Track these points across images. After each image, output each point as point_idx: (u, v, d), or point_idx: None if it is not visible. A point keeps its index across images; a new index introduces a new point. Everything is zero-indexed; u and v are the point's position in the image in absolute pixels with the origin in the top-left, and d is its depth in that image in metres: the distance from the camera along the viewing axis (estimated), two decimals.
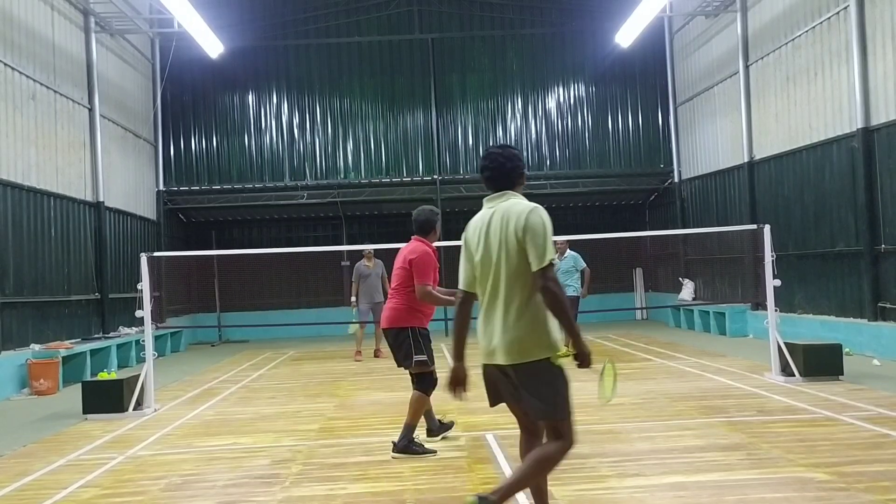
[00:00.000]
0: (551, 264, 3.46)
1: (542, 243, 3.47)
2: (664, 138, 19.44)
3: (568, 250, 12.01)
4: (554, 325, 3.54)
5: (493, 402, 3.82)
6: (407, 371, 6.04)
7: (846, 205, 11.86)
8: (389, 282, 6.47)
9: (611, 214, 20.93)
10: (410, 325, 5.91)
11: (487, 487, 4.91)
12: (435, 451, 5.87)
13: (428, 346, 5.95)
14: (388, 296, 6.14)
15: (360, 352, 13.02)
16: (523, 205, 3.62)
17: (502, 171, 3.71)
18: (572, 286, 11.80)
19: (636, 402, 7.75)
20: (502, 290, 3.55)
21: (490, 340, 3.59)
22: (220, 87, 19.39)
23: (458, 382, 3.75)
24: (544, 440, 3.72)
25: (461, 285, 3.74)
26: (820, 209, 12.60)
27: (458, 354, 3.73)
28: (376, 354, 13.15)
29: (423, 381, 5.94)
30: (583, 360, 3.56)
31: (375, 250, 13.07)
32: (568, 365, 3.58)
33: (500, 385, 3.69)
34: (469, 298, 3.72)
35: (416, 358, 5.86)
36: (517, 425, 3.89)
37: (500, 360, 3.54)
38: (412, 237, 6.29)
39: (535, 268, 3.46)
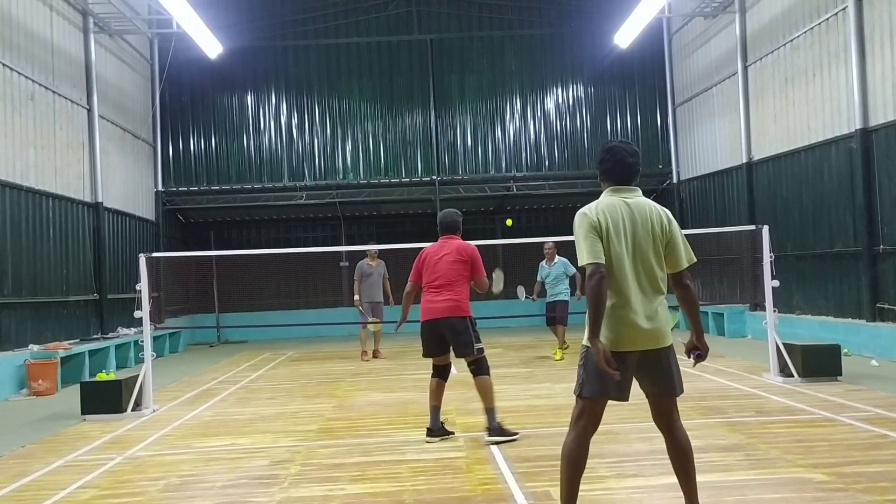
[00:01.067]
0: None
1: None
2: (663, 139, 19.45)
3: (557, 256, 11.98)
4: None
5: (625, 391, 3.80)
6: (459, 358, 6.43)
7: (844, 205, 11.87)
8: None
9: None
10: (469, 315, 6.34)
11: (487, 487, 4.92)
12: (517, 434, 6.17)
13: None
14: (437, 289, 6.35)
15: (366, 351, 13.05)
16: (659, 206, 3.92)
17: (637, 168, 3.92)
18: (563, 292, 11.81)
19: (634, 403, 7.68)
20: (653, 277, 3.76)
21: (648, 324, 3.68)
22: (218, 87, 19.39)
23: (610, 361, 3.59)
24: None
25: (601, 260, 3.64)
26: (818, 210, 12.62)
27: (598, 332, 3.65)
28: (375, 355, 13.15)
29: (483, 365, 6.31)
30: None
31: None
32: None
33: (640, 368, 3.77)
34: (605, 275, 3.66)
35: (478, 345, 6.31)
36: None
37: (660, 343, 3.73)
38: (443, 236, 6.62)
39: (686, 265, 3.82)
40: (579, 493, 3.91)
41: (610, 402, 3.85)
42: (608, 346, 3.61)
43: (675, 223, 3.83)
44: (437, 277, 6.41)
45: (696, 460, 5.38)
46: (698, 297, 3.81)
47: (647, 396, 3.86)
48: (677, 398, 3.86)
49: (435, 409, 6.37)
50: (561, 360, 11.72)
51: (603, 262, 3.62)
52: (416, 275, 6.65)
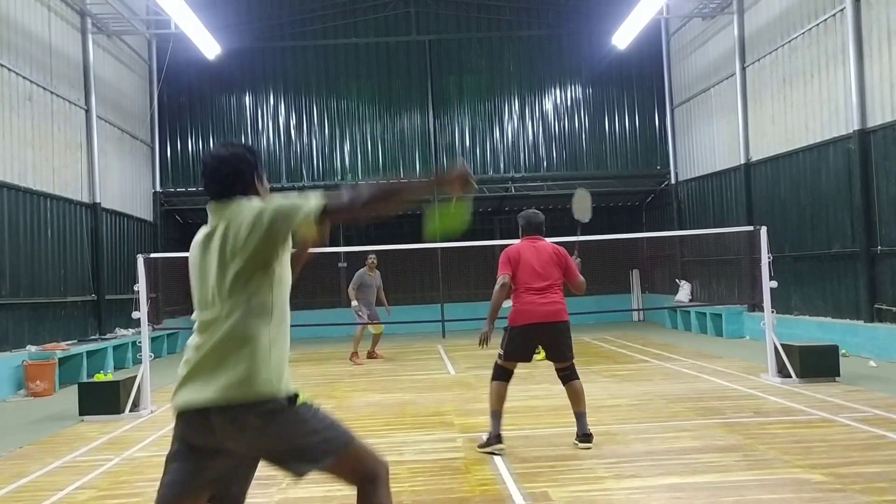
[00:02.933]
0: None
1: None
2: (661, 140, 19.47)
3: None
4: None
5: None
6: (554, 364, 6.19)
7: (842, 206, 11.89)
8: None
9: (608, 216, 20.91)
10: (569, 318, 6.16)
11: (484, 488, 4.92)
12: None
13: None
14: (541, 291, 5.99)
15: (357, 353, 12.91)
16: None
17: None
18: None
19: (633, 404, 7.76)
20: None
21: None
22: (216, 88, 19.38)
23: None
24: None
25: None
26: (816, 211, 12.63)
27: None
28: (372, 356, 13.07)
29: (575, 370, 6.17)
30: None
31: (371, 253, 13.00)
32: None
33: None
34: None
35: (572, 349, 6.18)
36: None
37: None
38: (531, 236, 6.29)
39: None
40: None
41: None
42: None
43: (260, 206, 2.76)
44: (539, 277, 6.00)
45: (694, 461, 5.41)
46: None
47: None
48: None
49: (499, 414, 5.94)
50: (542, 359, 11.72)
51: None
52: (510, 269, 6.07)
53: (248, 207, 2.74)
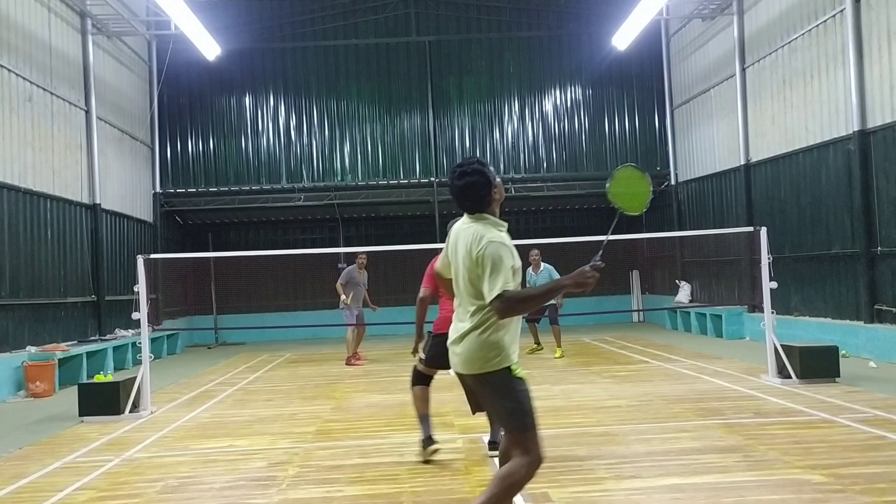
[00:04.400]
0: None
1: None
2: (661, 141, 19.48)
3: (542, 263, 12.02)
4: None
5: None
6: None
7: (842, 207, 11.89)
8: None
9: (607, 216, 20.94)
10: None
11: (483, 490, 4.91)
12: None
13: None
14: None
15: (357, 353, 12.90)
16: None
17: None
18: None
19: (633, 405, 7.76)
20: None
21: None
22: (216, 89, 19.39)
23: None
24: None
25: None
26: (816, 212, 12.63)
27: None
28: (357, 357, 12.85)
29: None
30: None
31: (370, 254, 13.05)
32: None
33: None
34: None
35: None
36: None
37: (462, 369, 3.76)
38: None
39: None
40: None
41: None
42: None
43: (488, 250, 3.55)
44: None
45: (694, 461, 5.41)
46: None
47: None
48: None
49: (427, 417, 5.92)
50: (560, 357, 11.79)
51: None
52: (432, 280, 5.85)
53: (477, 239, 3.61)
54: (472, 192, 3.69)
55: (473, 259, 3.54)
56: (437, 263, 4.15)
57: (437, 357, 5.78)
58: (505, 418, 3.64)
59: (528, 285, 11.97)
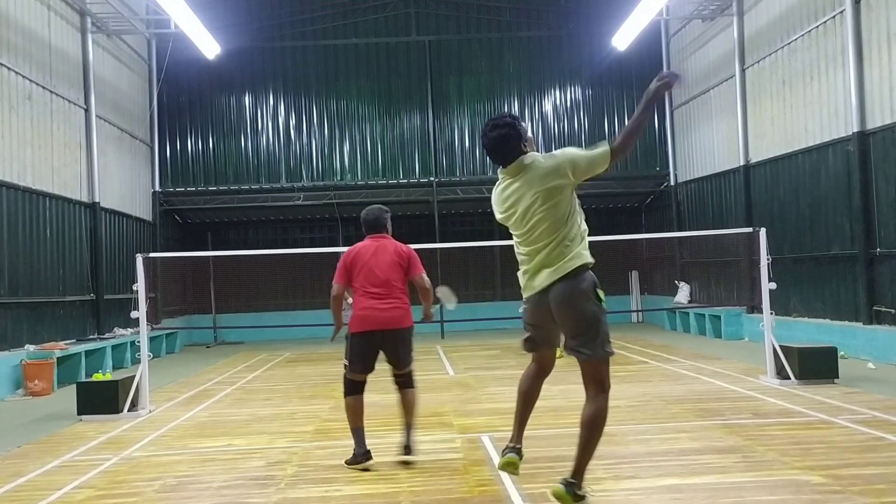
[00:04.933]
0: None
1: None
2: (660, 141, 19.48)
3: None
4: None
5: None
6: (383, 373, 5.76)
7: (842, 208, 11.90)
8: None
9: (607, 217, 20.94)
10: (413, 323, 5.71)
11: (483, 489, 4.92)
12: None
13: None
14: (379, 296, 5.55)
15: None
16: None
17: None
18: None
19: (632, 405, 7.76)
20: None
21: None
22: (216, 88, 19.39)
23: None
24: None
25: None
26: (815, 213, 12.64)
27: None
28: None
29: (413, 376, 5.76)
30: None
31: None
32: None
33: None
34: None
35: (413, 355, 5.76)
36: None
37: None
38: (372, 235, 5.94)
39: None
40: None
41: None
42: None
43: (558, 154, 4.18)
44: (377, 281, 5.58)
45: (693, 462, 5.41)
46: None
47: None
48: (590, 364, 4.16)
49: (360, 430, 5.55)
50: (560, 357, 11.79)
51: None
52: (346, 275, 5.72)
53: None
54: (504, 143, 4.01)
55: (556, 171, 3.95)
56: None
57: (361, 359, 5.56)
58: (591, 337, 3.99)
59: None
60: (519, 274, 4.28)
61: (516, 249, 4.24)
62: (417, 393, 5.77)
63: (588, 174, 4.01)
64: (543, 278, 4.05)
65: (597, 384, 4.06)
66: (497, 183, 4.34)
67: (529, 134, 4.11)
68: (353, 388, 5.60)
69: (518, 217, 4.12)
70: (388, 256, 5.73)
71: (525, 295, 4.26)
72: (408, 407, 5.69)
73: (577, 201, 4.12)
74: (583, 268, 4.01)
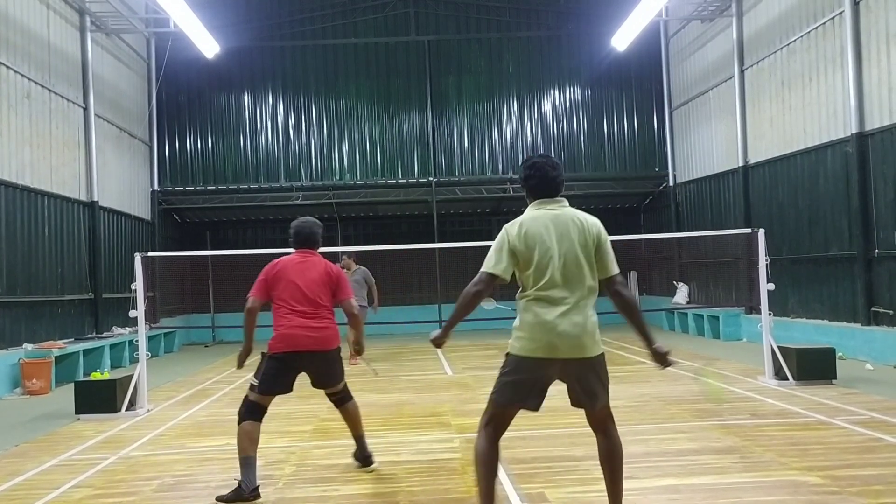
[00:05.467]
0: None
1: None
2: (659, 142, 19.49)
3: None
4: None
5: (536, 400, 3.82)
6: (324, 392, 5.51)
7: (840, 209, 11.91)
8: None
9: (605, 217, 20.49)
10: (340, 344, 5.35)
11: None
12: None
13: None
14: (307, 314, 5.14)
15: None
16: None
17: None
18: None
19: (630, 405, 7.76)
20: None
21: (573, 331, 3.72)
22: (215, 87, 19.37)
23: (440, 346, 4.18)
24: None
25: (496, 273, 3.80)
26: (814, 214, 12.65)
27: (451, 327, 4.02)
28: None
29: (349, 390, 5.58)
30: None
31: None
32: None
33: (564, 377, 3.78)
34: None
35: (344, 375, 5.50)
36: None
37: (584, 353, 3.73)
38: (301, 250, 5.43)
39: (615, 271, 3.91)
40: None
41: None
42: (528, 352, 3.70)
43: (603, 232, 3.88)
44: (303, 299, 5.16)
45: (691, 462, 5.41)
46: (636, 301, 3.89)
47: (573, 405, 3.84)
48: (608, 406, 3.86)
49: (252, 461, 4.91)
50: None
51: (498, 275, 3.76)
52: (265, 290, 5.28)
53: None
54: (563, 182, 3.96)
55: (594, 238, 3.80)
56: (497, 268, 3.78)
57: (276, 381, 5.11)
58: (605, 393, 3.82)
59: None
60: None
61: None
62: (356, 403, 5.56)
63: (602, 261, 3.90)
64: None
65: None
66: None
67: None
68: (254, 413, 5.03)
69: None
70: (317, 274, 5.28)
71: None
72: (353, 420, 5.49)
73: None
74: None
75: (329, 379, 5.37)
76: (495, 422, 3.80)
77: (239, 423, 5.01)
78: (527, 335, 3.70)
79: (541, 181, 3.89)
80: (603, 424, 3.83)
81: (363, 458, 5.51)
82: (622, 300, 3.87)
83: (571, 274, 3.73)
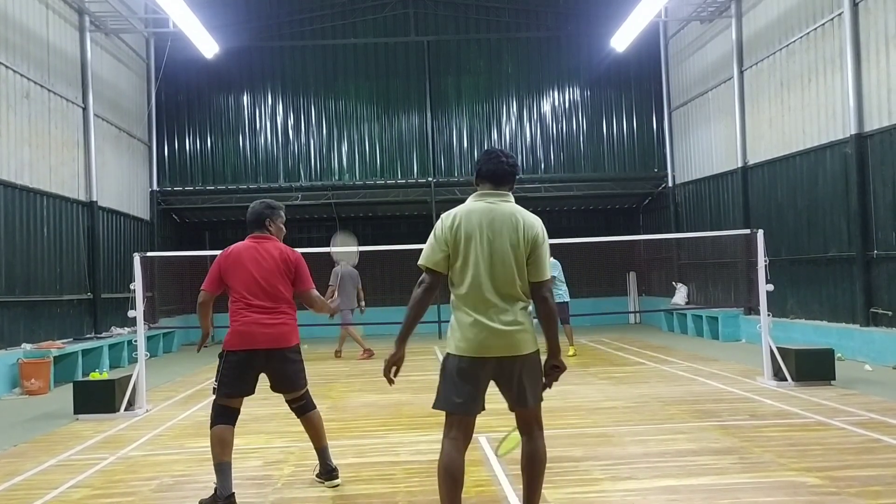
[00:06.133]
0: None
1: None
2: (658, 142, 19.50)
3: (551, 258, 12.39)
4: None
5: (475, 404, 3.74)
6: (284, 395, 5.18)
7: (839, 210, 11.91)
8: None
9: (605, 218, 20.99)
10: (299, 341, 5.04)
11: (480, 490, 4.92)
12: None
13: None
14: (262, 309, 4.81)
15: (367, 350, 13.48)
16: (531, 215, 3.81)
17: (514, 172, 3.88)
18: (562, 293, 12.35)
19: (629, 406, 7.76)
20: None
21: (504, 329, 3.64)
22: (214, 87, 19.37)
23: (398, 364, 3.82)
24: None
25: (433, 266, 3.70)
26: (813, 215, 12.65)
27: (406, 338, 3.81)
28: (339, 354, 13.84)
29: (311, 399, 5.23)
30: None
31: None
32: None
33: (497, 377, 3.70)
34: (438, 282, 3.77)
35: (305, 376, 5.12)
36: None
37: (516, 350, 3.63)
38: (254, 235, 5.05)
39: (544, 278, 3.70)
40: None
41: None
42: (462, 353, 3.63)
43: (541, 234, 3.71)
44: (259, 291, 4.81)
45: (690, 463, 5.41)
46: (556, 314, 3.73)
47: (510, 408, 3.80)
48: (538, 409, 3.76)
49: (227, 467, 4.67)
50: (574, 355, 12.00)
51: (432, 268, 3.68)
52: (217, 283, 4.97)
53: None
54: (514, 174, 3.85)
55: (529, 240, 3.66)
56: (431, 260, 3.69)
57: (236, 382, 4.77)
58: (537, 394, 3.73)
59: None
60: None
61: None
62: (319, 413, 5.21)
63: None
64: None
65: None
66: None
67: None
68: (225, 416, 4.75)
69: None
70: (272, 263, 4.89)
71: None
72: (316, 431, 5.11)
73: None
74: None
75: (287, 381, 4.99)
76: (455, 428, 3.69)
77: (210, 427, 4.73)
78: (460, 335, 3.65)
79: (494, 166, 3.80)
80: (529, 427, 3.75)
81: (327, 472, 5.11)
82: (545, 308, 3.68)
83: (499, 273, 3.62)
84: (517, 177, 3.88)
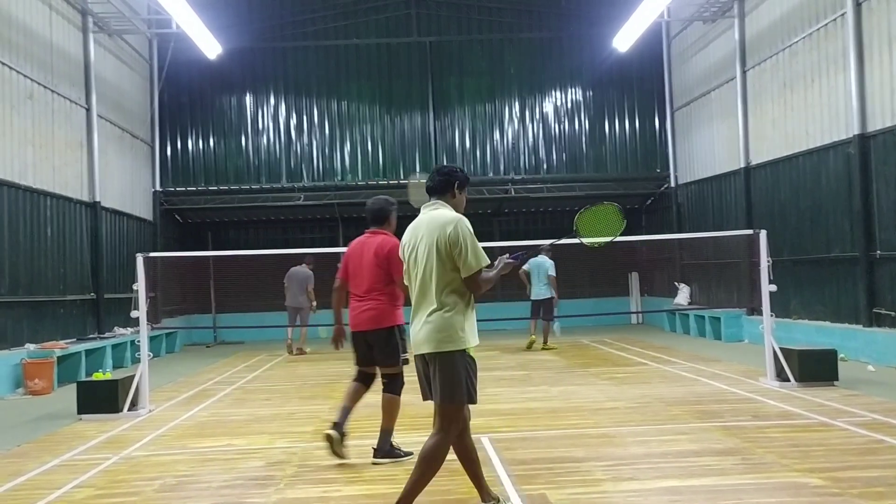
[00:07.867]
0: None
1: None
2: (661, 143, 19.49)
3: (542, 255, 13.52)
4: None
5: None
6: (377, 373, 5.93)
7: (842, 211, 11.90)
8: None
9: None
10: (396, 324, 5.71)
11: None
12: (412, 453, 5.65)
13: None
14: (361, 297, 5.68)
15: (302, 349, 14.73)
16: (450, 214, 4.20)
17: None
18: (545, 290, 13.48)
19: (631, 406, 7.76)
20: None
21: (420, 330, 4.13)
22: (217, 88, 19.40)
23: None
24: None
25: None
26: (816, 215, 12.64)
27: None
28: (300, 352, 14.68)
29: (397, 383, 5.82)
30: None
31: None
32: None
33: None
34: None
35: (404, 356, 5.70)
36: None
37: (423, 349, 4.10)
38: (370, 230, 5.94)
39: (466, 273, 4.04)
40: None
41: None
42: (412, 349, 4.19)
43: (454, 230, 4.04)
44: (359, 282, 5.70)
45: (692, 464, 5.41)
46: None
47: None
48: (442, 407, 4.05)
49: (346, 410, 5.78)
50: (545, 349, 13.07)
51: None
52: (344, 272, 5.94)
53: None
54: (441, 183, 4.34)
55: (445, 239, 4.02)
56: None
57: (356, 352, 5.92)
58: (443, 392, 4.04)
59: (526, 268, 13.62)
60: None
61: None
62: (395, 401, 5.78)
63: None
64: None
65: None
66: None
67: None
68: (359, 376, 5.90)
69: None
70: (370, 258, 5.67)
71: None
72: (382, 412, 5.81)
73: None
74: None
75: (377, 358, 5.74)
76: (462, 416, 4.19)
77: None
78: (474, 330, 4.16)
79: (429, 182, 4.34)
80: (434, 421, 4.09)
81: (379, 449, 5.74)
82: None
83: (427, 275, 4.07)
84: (453, 184, 4.31)
